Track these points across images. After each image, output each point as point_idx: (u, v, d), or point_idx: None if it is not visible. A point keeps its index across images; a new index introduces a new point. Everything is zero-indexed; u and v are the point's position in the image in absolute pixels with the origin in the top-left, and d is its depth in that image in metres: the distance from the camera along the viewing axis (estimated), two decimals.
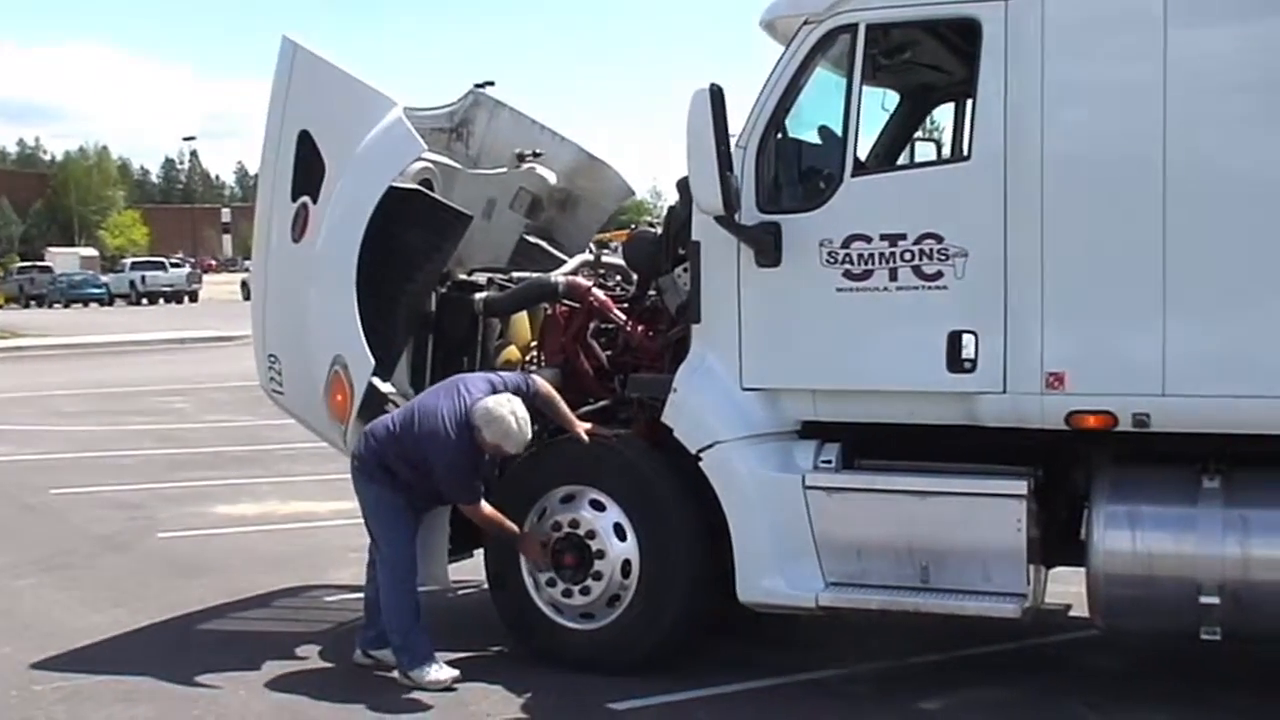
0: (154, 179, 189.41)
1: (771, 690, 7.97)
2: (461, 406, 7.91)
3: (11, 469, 16.71)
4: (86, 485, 15.25)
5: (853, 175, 7.48)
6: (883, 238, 7.37)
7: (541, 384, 8.25)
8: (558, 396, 8.25)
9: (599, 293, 8.94)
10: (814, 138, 8.08)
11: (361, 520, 8.32)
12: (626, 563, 8.05)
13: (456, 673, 8.03)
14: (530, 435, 7.93)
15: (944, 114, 9.14)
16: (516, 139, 10.17)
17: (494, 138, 10.25)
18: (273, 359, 9.20)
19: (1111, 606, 7.27)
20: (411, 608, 8.10)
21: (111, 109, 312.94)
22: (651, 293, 8.73)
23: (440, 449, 7.87)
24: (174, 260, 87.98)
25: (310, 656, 8.77)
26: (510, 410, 7.85)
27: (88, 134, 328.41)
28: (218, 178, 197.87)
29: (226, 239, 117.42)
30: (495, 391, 8.02)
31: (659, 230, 8.68)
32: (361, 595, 8.71)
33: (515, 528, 8.15)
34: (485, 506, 8.01)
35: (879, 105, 8.78)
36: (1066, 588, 8.15)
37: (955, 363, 7.30)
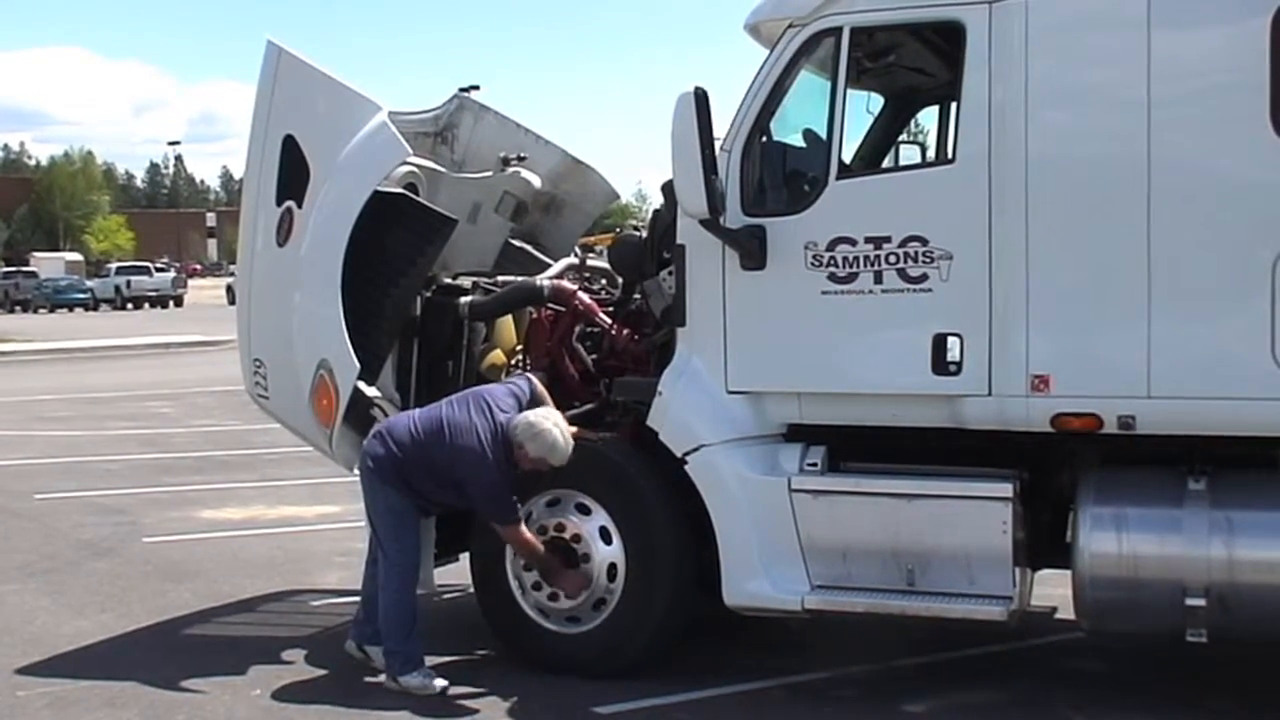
0: (139, 184, 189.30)
1: (758, 694, 7.96)
2: (495, 424, 7.85)
3: None
4: (71, 490, 15.21)
5: (837, 178, 7.49)
6: (867, 240, 7.38)
7: (539, 386, 8.27)
8: (549, 398, 8.25)
9: (584, 296, 8.93)
10: (799, 141, 8.09)
11: (349, 524, 8.30)
12: (612, 566, 8.04)
13: (445, 682, 8.00)
14: (572, 449, 7.89)
15: (928, 117, 9.15)
16: (501, 143, 10.17)
17: (479, 142, 10.24)
18: (258, 363, 9.18)
19: (1097, 609, 7.28)
20: (410, 614, 8.06)
21: (96, 114, 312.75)
22: (636, 296, 8.72)
23: (477, 467, 7.80)
24: (159, 265, 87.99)
25: (296, 661, 8.75)
26: (554, 423, 7.82)
27: (72, 139, 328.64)
28: (203, 182, 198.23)
29: (211, 243, 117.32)
30: (520, 406, 8.00)
31: (644, 234, 8.67)
32: (347, 598, 8.69)
33: (552, 563, 8.06)
34: (525, 531, 7.94)
35: (863, 108, 8.79)
36: (1052, 590, 8.17)
37: (940, 365, 7.30)
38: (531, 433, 7.78)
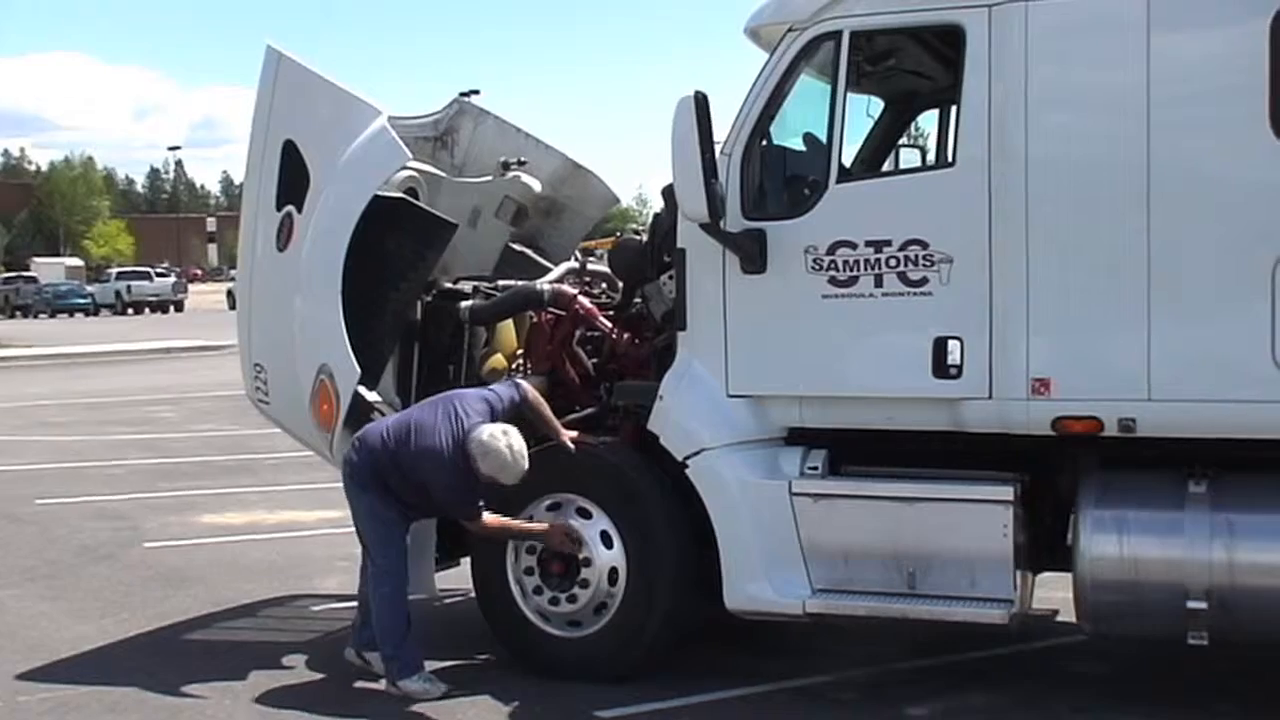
0: (139, 189, 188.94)
1: (759, 697, 7.96)
2: (459, 430, 7.85)
3: None
4: (72, 495, 15.21)
5: (837, 182, 7.50)
6: (868, 244, 7.38)
7: (530, 391, 8.25)
8: (545, 404, 8.25)
9: (585, 300, 8.93)
10: (799, 144, 8.09)
11: (350, 529, 8.31)
12: (613, 570, 8.04)
13: (446, 687, 8.01)
14: (526, 467, 7.89)
15: (928, 120, 9.15)
16: (501, 147, 10.17)
17: (479, 146, 10.25)
18: (258, 368, 9.19)
19: (1098, 612, 7.28)
20: (403, 618, 8.07)
21: (97, 119, 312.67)
22: (637, 300, 8.72)
23: (437, 470, 7.82)
24: (159, 270, 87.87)
25: (297, 666, 8.75)
26: (506, 444, 7.79)
27: (73, 144, 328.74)
28: (203, 187, 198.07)
29: (212, 248, 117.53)
30: (492, 411, 7.98)
31: (644, 238, 8.68)
32: (347, 603, 8.70)
33: (529, 525, 8.10)
34: (489, 518, 7.95)
35: (863, 112, 8.80)
36: (1053, 593, 8.16)
37: (941, 368, 7.30)
38: (482, 450, 7.78)
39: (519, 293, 9.02)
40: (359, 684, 8.29)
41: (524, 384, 8.35)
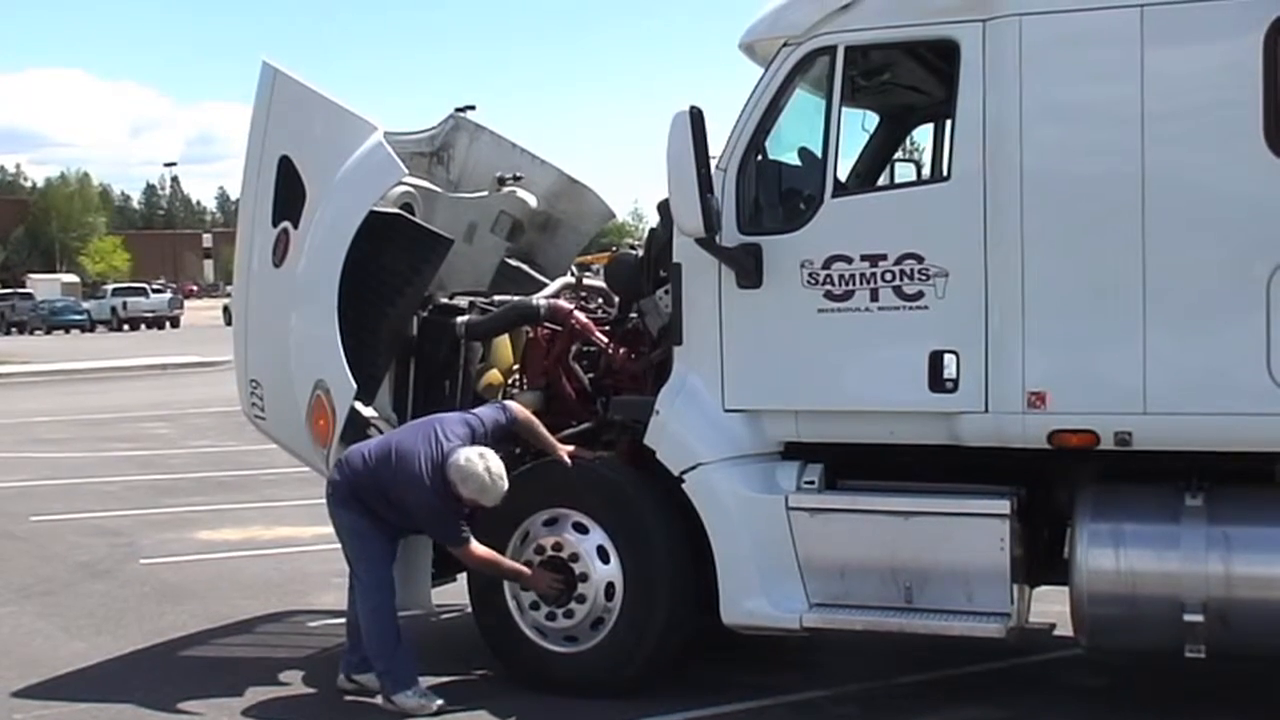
0: (135, 205, 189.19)
1: (756, 712, 7.94)
2: (439, 454, 7.84)
3: None
4: (68, 512, 15.19)
5: (833, 196, 7.50)
6: (863, 258, 7.38)
7: (519, 410, 8.24)
8: (537, 421, 8.24)
9: (581, 315, 8.92)
10: (794, 159, 8.10)
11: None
12: (610, 585, 8.03)
13: (441, 700, 7.99)
14: (506, 488, 7.89)
15: (924, 134, 9.17)
16: (497, 162, 10.18)
17: (474, 161, 10.25)
18: (254, 384, 9.18)
19: (1095, 625, 7.27)
20: (392, 632, 8.06)
21: (93, 135, 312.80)
22: (633, 315, 8.71)
23: (418, 494, 7.83)
24: (156, 286, 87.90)
25: (293, 682, 8.74)
26: (484, 467, 7.80)
27: (69, 160, 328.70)
28: (199, 203, 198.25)
29: (208, 264, 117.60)
30: (473, 434, 7.98)
31: (640, 252, 8.68)
32: (344, 619, 8.68)
33: (516, 566, 8.08)
34: (477, 548, 7.92)
35: (859, 126, 8.80)
36: (1050, 607, 8.16)
37: (937, 382, 7.30)
38: (461, 476, 7.79)
39: (515, 308, 9.02)
40: (353, 698, 8.28)
41: (512, 405, 8.34)
